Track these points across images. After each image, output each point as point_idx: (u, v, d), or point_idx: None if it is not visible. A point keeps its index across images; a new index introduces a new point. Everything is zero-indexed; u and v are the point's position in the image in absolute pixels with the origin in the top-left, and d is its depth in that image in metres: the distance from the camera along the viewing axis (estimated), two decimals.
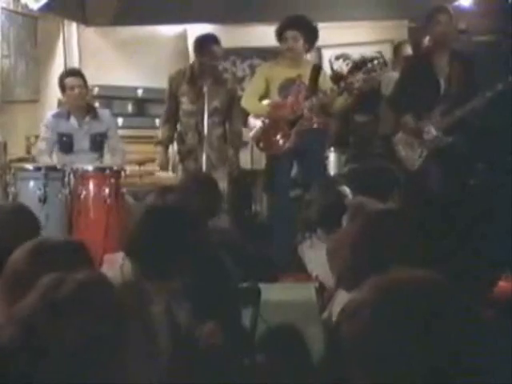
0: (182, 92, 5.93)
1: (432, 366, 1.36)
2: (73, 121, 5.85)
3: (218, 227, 4.26)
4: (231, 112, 6.03)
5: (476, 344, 1.39)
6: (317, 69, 6.14)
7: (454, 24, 5.71)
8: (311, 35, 6.11)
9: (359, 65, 6.88)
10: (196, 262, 2.82)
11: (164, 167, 6.19)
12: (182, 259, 2.75)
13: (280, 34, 6.03)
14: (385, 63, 6.21)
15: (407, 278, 1.49)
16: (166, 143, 6.16)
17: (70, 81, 5.80)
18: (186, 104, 5.92)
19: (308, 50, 6.24)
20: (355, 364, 1.44)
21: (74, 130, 5.83)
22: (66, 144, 5.82)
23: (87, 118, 5.86)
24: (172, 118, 6.06)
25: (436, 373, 1.36)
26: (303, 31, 6.00)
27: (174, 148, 6.40)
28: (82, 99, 5.91)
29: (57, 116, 5.90)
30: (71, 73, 6.00)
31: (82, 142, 5.83)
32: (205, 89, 5.67)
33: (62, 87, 5.83)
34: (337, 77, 7.33)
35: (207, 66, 5.81)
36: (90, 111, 5.90)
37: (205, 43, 5.89)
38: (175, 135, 6.16)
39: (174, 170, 6.40)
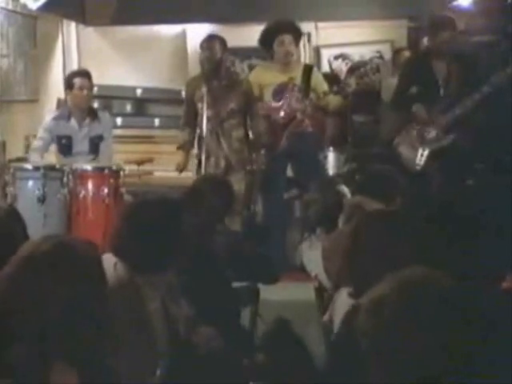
0: (198, 98, 5.81)
1: (452, 362, 1.37)
2: (73, 122, 5.78)
3: (220, 228, 4.26)
4: (251, 112, 5.90)
5: (491, 341, 1.40)
6: (308, 69, 6.15)
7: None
8: (299, 38, 6.23)
9: (354, 68, 6.90)
10: (186, 255, 2.82)
11: (180, 169, 6.01)
12: (169, 251, 2.75)
13: (272, 38, 6.02)
14: (377, 69, 6.27)
15: (427, 275, 1.50)
16: (186, 148, 6.00)
17: (79, 81, 5.72)
18: (202, 109, 5.81)
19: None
20: (375, 360, 1.44)
21: (73, 132, 5.77)
22: (64, 146, 5.77)
23: (87, 120, 5.80)
24: (191, 122, 5.91)
25: (455, 370, 1.37)
26: (294, 34, 6.06)
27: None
28: (88, 101, 5.87)
29: (57, 118, 5.82)
30: (81, 73, 5.89)
31: (81, 145, 5.77)
32: (204, 89, 5.63)
33: (70, 86, 5.76)
34: (334, 78, 7.36)
35: (206, 63, 5.76)
36: (91, 113, 5.84)
37: (202, 42, 5.85)
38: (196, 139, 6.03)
39: (197, 173, 6.18)
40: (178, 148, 6.08)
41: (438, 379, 1.38)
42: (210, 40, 5.83)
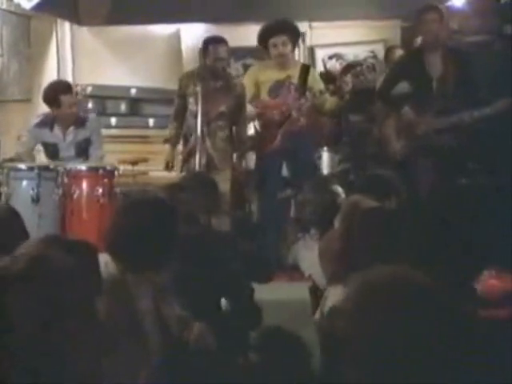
0: (190, 92, 5.77)
1: (415, 361, 1.37)
2: (56, 131, 5.68)
3: (214, 227, 4.28)
4: (239, 117, 5.87)
5: (459, 340, 1.39)
6: (305, 68, 6.15)
7: (446, 22, 5.69)
8: (297, 37, 6.18)
9: (349, 67, 6.91)
10: (179, 254, 2.83)
11: (168, 166, 5.97)
12: (161, 251, 2.75)
13: (266, 39, 6.02)
14: (373, 68, 6.28)
15: (389, 274, 1.49)
16: (173, 141, 5.97)
17: (68, 99, 5.59)
18: (192, 105, 5.75)
19: (292, 51, 6.26)
20: (348, 361, 1.44)
21: (58, 140, 5.70)
22: (51, 152, 5.71)
23: (71, 128, 5.68)
24: (180, 116, 5.89)
25: (421, 368, 1.37)
26: (290, 34, 6.02)
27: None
28: (77, 114, 5.73)
29: (40, 126, 5.72)
30: (65, 89, 5.70)
31: (68, 151, 5.69)
32: (198, 88, 5.62)
33: (56, 104, 5.58)
34: (329, 77, 7.37)
35: (211, 66, 5.75)
36: (76, 121, 5.70)
37: (208, 44, 5.79)
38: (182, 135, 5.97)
39: (181, 170, 6.13)
40: (165, 141, 6.06)
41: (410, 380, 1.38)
42: (218, 43, 5.72)
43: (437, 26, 5.49)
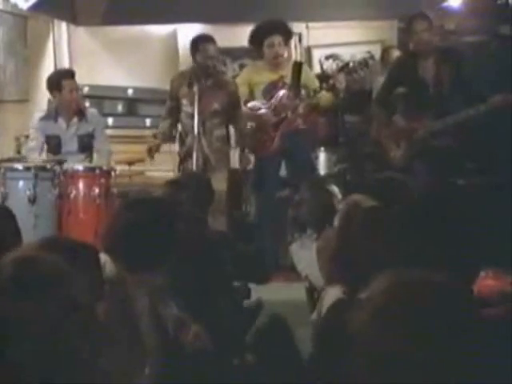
0: (183, 94, 5.78)
1: (435, 367, 1.37)
2: (61, 122, 5.78)
3: (211, 227, 4.28)
4: (235, 113, 5.85)
5: (478, 345, 1.39)
6: (297, 66, 6.13)
7: (438, 27, 5.67)
8: (290, 38, 6.24)
9: (342, 67, 6.91)
10: (177, 254, 2.83)
11: (151, 155, 5.79)
12: (159, 251, 2.75)
13: (261, 39, 6.00)
14: (366, 64, 6.27)
15: (424, 276, 1.49)
16: (163, 137, 5.89)
17: (69, 83, 5.70)
18: (186, 106, 5.75)
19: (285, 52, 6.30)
20: (363, 359, 1.43)
21: (61, 132, 5.77)
22: (54, 146, 5.77)
23: (75, 119, 5.79)
24: (172, 115, 5.89)
25: (438, 374, 1.37)
26: (285, 35, 6.05)
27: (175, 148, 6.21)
28: (79, 102, 5.87)
29: (44, 118, 5.84)
30: (68, 74, 5.85)
31: (70, 144, 5.76)
32: (195, 88, 5.62)
33: (58, 88, 5.70)
34: (324, 77, 7.37)
35: (202, 65, 5.74)
36: (78, 112, 5.82)
37: (198, 42, 5.79)
38: (176, 136, 5.97)
39: (179, 170, 6.10)
40: (154, 136, 6.02)
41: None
42: (207, 41, 5.74)
43: (426, 34, 5.47)
